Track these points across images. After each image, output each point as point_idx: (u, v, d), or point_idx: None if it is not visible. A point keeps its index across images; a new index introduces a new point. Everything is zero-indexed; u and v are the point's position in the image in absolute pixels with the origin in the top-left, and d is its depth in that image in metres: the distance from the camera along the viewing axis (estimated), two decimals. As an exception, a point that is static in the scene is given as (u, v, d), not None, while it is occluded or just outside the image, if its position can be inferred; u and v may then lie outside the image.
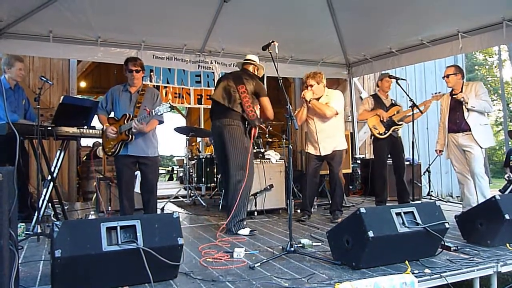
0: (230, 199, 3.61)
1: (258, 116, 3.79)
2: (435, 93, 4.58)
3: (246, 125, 3.70)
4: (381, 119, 4.81)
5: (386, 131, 4.78)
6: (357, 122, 7.39)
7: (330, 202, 4.44)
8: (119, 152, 3.60)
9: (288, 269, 2.51)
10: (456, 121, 4.16)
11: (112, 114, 3.76)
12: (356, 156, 6.88)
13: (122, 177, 3.64)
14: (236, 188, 3.57)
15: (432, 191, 6.59)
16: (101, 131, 3.82)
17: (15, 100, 4.09)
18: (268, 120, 4.07)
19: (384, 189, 4.94)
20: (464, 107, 4.07)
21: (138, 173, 3.85)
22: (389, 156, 4.95)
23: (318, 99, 4.21)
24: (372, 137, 4.97)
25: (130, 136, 3.53)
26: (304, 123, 4.36)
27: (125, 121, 3.55)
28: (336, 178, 4.26)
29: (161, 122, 3.72)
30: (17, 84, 4.15)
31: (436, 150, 4.51)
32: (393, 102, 4.98)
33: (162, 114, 3.42)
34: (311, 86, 4.17)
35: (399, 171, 4.87)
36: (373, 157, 7.23)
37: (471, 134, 4.03)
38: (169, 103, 3.39)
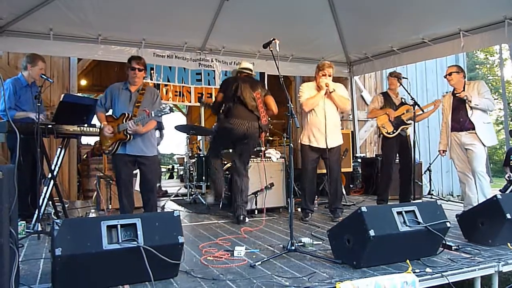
0: (239, 190, 4.13)
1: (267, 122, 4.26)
2: (445, 93, 4.56)
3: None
4: (390, 118, 4.80)
5: (395, 130, 4.78)
6: (358, 120, 7.38)
7: (330, 200, 4.41)
8: (117, 150, 3.57)
9: (288, 268, 2.51)
10: (460, 120, 4.13)
11: (110, 112, 3.72)
12: (357, 155, 6.87)
13: (120, 176, 3.63)
14: (247, 186, 4.20)
15: (433, 190, 6.58)
16: (99, 129, 3.80)
17: (30, 98, 4.06)
18: (274, 115, 4.46)
19: (387, 188, 4.93)
20: (467, 105, 4.06)
21: (137, 171, 3.84)
22: (397, 155, 4.93)
23: None
24: (381, 135, 4.95)
25: (128, 136, 3.50)
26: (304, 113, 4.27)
27: (124, 121, 3.52)
28: (336, 176, 4.23)
29: (159, 123, 3.70)
30: (34, 82, 4.13)
31: (439, 151, 4.48)
32: (403, 101, 4.95)
33: (161, 116, 3.41)
34: (330, 76, 4.15)
35: (406, 170, 4.81)
36: (374, 155, 7.31)
37: (475, 132, 4.01)
38: (170, 103, 3.38)
